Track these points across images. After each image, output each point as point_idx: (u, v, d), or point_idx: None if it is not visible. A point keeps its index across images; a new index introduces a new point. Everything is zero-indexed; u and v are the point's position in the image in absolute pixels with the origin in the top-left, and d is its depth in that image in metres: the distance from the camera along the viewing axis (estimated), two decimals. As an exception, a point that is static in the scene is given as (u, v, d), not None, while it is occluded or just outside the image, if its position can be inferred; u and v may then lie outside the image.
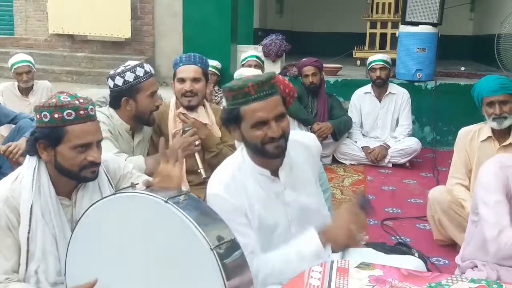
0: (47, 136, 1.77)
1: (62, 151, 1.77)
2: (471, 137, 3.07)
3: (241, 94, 1.75)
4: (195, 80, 2.90)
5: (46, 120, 1.75)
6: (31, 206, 1.76)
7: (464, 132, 3.13)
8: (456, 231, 2.98)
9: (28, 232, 1.75)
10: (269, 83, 1.76)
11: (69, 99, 1.76)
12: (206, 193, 1.85)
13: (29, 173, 1.80)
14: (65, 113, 1.74)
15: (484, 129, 3.03)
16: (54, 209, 1.80)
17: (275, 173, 1.88)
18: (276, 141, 1.77)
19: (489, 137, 2.99)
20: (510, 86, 2.88)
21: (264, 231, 1.85)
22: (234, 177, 1.82)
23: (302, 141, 2.03)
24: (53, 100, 1.76)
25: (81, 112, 1.76)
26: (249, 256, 1.68)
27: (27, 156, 1.87)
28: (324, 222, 2.07)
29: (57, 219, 1.81)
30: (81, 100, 1.79)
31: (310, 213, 1.97)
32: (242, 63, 5.05)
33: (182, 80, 2.90)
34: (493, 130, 2.97)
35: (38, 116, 1.78)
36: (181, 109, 2.94)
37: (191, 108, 2.94)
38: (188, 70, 2.90)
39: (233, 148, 3.06)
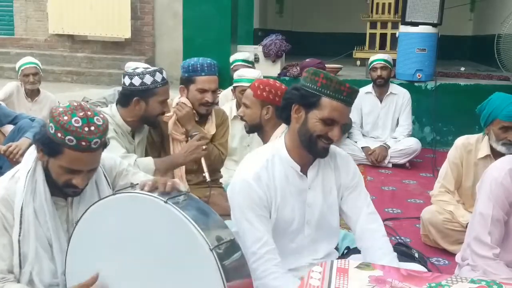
0: (46, 144, 1.73)
1: (53, 164, 1.74)
2: (469, 151, 2.93)
3: (334, 88, 1.79)
4: (214, 91, 2.93)
5: (52, 131, 1.70)
6: (22, 208, 1.73)
7: (463, 144, 2.96)
8: (454, 247, 2.94)
9: (19, 235, 1.72)
10: (356, 95, 1.86)
11: (80, 123, 1.67)
12: (234, 179, 1.89)
13: (23, 174, 1.78)
14: (67, 138, 1.67)
15: (482, 144, 2.86)
16: (49, 211, 1.78)
17: (304, 171, 1.94)
18: (328, 143, 1.86)
19: (487, 155, 2.82)
20: None
21: (279, 224, 1.90)
22: (266, 167, 1.88)
23: (340, 151, 2.07)
24: (65, 118, 1.67)
25: (83, 143, 1.68)
26: (262, 249, 1.79)
27: (27, 152, 1.85)
28: (335, 235, 2.10)
29: (52, 221, 1.79)
30: (92, 128, 1.68)
31: (325, 221, 2.00)
32: (231, 67, 5.03)
33: (204, 91, 2.88)
34: (492, 148, 2.79)
35: (48, 120, 1.73)
36: (183, 100, 2.92)
37: (206, 116, 2.98)
38: (211, 82, 2.90)
39: (221, 147, 3.08)
